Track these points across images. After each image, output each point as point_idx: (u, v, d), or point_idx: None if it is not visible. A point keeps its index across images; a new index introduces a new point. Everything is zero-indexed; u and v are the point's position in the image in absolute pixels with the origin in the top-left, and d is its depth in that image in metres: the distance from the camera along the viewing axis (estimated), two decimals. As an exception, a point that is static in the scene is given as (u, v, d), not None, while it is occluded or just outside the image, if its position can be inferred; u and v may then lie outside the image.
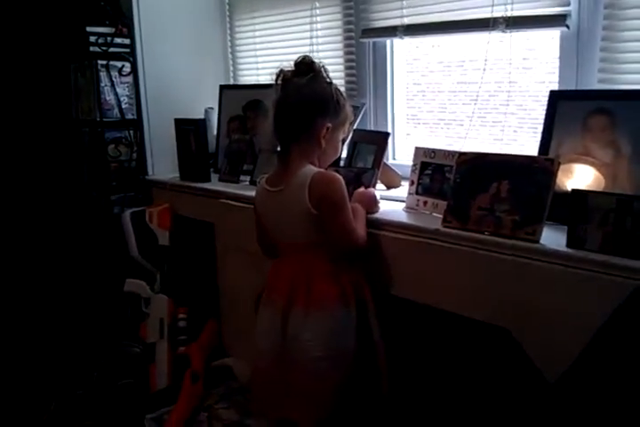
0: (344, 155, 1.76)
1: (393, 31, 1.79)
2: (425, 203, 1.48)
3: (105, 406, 2.05)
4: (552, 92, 1.38)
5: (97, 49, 2.14)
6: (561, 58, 1.47)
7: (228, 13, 2.48)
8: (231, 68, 2.53)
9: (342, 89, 1.63)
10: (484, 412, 1.43)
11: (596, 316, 1.04)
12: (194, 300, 2.16)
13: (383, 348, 1.41)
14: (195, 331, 2.11)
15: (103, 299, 2.25)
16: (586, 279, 1.07)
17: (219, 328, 2.08)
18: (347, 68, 2.00)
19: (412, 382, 1.53)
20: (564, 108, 1.34)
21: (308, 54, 1.42)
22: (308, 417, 1.38)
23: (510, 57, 1.56)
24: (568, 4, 1.40)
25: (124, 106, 2.22)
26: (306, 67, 1.38)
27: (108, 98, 2.19)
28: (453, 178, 1.36)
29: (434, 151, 1.48)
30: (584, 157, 1.28)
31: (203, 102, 2.37)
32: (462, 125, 1.73)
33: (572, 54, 1.43)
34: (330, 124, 1.38)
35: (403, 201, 1.54)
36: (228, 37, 2.51)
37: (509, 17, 1.48)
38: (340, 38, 2.01)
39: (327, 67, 1.42)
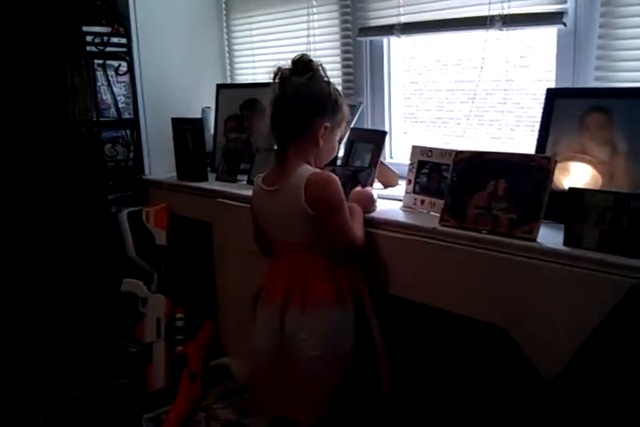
0: (341, 153, 1.75)
1: (390, 30, 1.79)
2: (422, 201, 1.47)
3: (102, 406, 2.05)
4: (549, 90, 1.38)
5: (93, 48, 2.14)
6: (558, 56, 1.47)
7: (224, 12, 2.48)
8: (228, 67, 2.53)
9: (339, 88, 1.63)
10: (481, 411, 1.43)
11: (594, 314, 1.04)
12: (191, 299, 2.16)
13: (383, 348, 1.40)
14: (192, 331, 2.11)
15: (100, 299, 2.24)
16: (583, 278, 1.07)
17: (216, 328, 2.08)
18: (344, 66, 2.00)
19: (409, 382, 1.52)
20: (561, 106, 1.33)
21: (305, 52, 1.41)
22: (306, 417, 1.38)
23: (507, 55, 1.56)
24: (565, 2, 1.40)
25: (120, 105, 2.22)
26: (303, 65, 1.37)
27: (104, 97, 2.19)
28: (450, 176, 1.35)
29: (431, 150, 1.48)
30: (581, 155, 1.28)
31: (200, 101, 2.37)
32: (459, 124, 1.73)
33: (568, 52, 1.43)
34: (328, 124, 1.37)
35: (400, 200, 1.54)
36: (225, 36, 2.50)
37: (506, 15, 1.48)
38: (336, 37, 2.01)
39: (324, 65, 1.40)
